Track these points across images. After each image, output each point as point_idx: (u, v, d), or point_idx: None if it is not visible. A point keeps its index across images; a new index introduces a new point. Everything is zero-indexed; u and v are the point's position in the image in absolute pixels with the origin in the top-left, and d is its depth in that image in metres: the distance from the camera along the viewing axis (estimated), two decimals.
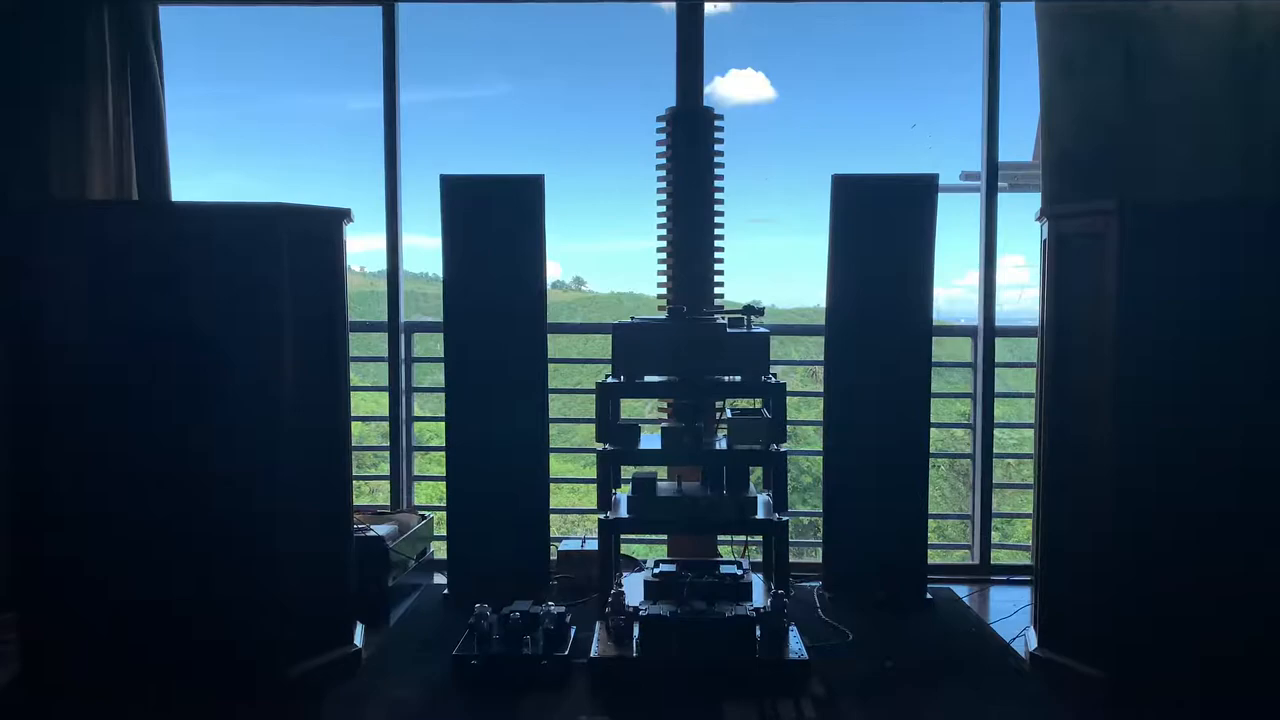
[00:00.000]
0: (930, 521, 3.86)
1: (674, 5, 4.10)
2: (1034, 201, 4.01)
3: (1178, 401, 2.81)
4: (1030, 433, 3.64)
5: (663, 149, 3.95)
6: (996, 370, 4.24)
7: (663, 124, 3.95)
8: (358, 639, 3.19)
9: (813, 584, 3.90)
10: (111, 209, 3.33)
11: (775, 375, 3.37)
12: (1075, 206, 3.31)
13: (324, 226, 3.04)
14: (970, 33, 4.20)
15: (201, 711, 2.80)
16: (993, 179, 4.15)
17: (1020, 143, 4.88)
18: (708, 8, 4.10)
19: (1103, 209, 2.90)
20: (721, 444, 3.40)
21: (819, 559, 3.99)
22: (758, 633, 3.04)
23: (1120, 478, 2.85)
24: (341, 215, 3.08)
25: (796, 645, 3.04)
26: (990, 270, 4.19)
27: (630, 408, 4.13)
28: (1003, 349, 4.30)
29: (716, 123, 3.93)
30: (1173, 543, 2.83)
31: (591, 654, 3.00)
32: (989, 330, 4.20)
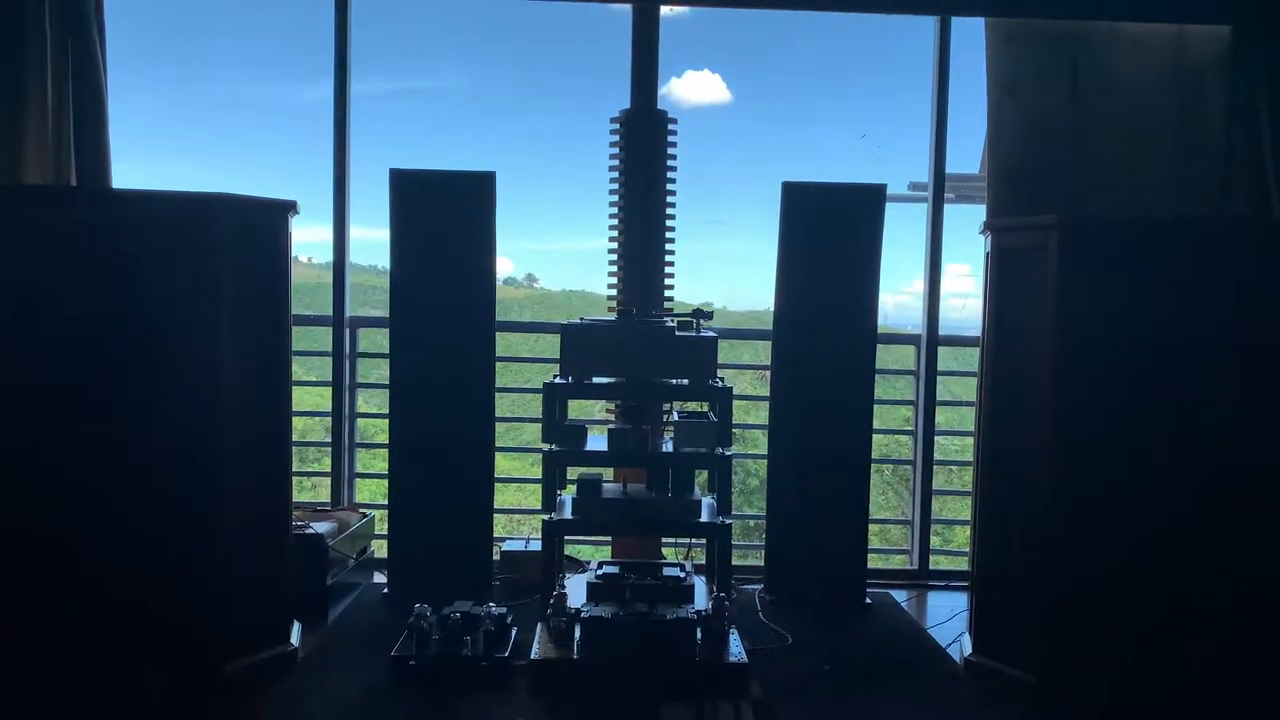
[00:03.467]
0: (873, 526, 3.90)
1: (629, 6, 4.10)
2: (980, 213, 4.10)
3: (1115, 412, 2.88)
4: (972, 440, 3.70)
5: (616, 150, 3.96)
6: (940, 378, 4.30)
7: (616, 125, 3.96)
8: (294, 638, 3.15)
9: (755, 587, 3.93)
10: (47, 194, 3.24)
11: (723, 379, 3.38)
12: (1017, 220, 3.38)
13: (268, 218, 2.99)
14: (921, 46, 4.26)
15: (134, 708, 2.74)
16: (939, 190, 4.22)
17: (968, 155, 4.97)
18: (664, 10, 4.10)
19: (1043, 223, 2.96)
20: (668, 446, 3.41)
21: (763, 561, 4.02)
22: (698, 635, 3.05)
23: (1056, 487, 2.91)
24: (287, 207, 3.03)
25: (736, 648, 3.06)
26: (935, 281, 4.26)
27: (578, 408, 4.12)
28: (947, 357, 4.38)
29: (670, 126, 3.96)
30: (1107, 551, 2.89)
31: (532, 655, 2.99)
32: (932, 339, 4.27)
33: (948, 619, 3.73)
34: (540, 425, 3.39)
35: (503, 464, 4.38)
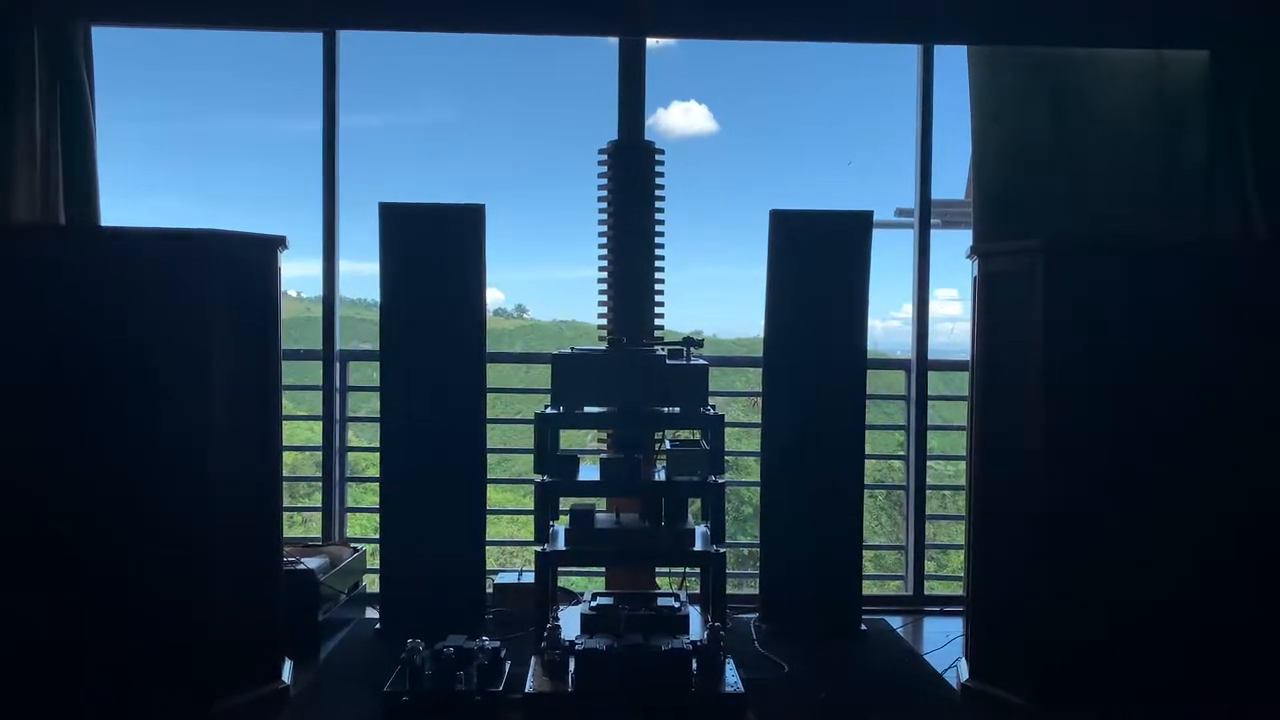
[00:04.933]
0: (868, 551, 3.89)
1: (616, 39, 4.13)
2: (967, 238, 4.12)
3: (1104, 435, 2.89)
4: (964, 464, 3.70)
5: (604, 181, 3.99)
6: (932, 403, 4.31)
7: (604, 156, 3.99)
8: (286, 675, 3.11)
9: (750, 615, 3.91)
10: (33, 232, 3.24)
11: (714, 407, 3.38)
12: (1003, 245, 3.41)
13: (258, 254, 3.00)
14: (905, 74, 4.31)
15: None
16: (926, 216, 4.25)
17: (954, 180, 5.02)
18: (650, 42, 4.14)
19: (1029, 247, 2.99)
20: (660, 475, 3.40)
21: (757, 590, 4.00)
22: (694, 666, 3.03)
23: (1049, 511, 2.91)
24: (276, 243, 3.04)
25: (732, 678, 3.03)
26: (923, 306, 4.27)
27: (570, 438, 4.11)
28: (937, 381, 4.38)
29: (657, 156, 3.98)
30: (1101, 575, 2.89)
31: (526, 689, 2.96)
32: (922, 364, 4.27)
33: (944, 644, 3.71)
34: (532, 456, 3.38)
35: (494, 496, 4.36)
